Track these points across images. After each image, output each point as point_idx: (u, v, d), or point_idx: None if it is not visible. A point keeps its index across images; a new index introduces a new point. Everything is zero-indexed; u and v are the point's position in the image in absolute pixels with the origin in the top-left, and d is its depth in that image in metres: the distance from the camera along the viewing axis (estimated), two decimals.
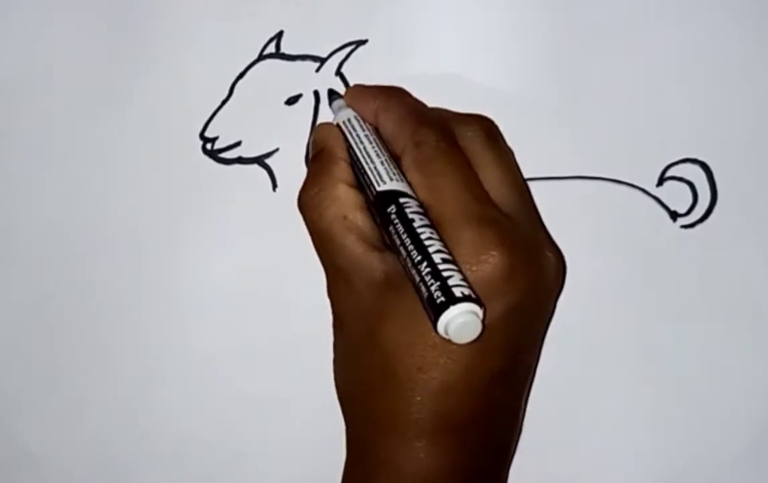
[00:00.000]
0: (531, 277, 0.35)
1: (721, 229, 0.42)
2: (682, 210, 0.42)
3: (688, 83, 0.41)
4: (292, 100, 0.43)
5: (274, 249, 0.43)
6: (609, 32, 0.42)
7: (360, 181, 0.37)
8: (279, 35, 0.42)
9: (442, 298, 0.31)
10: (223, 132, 0.43)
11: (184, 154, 0.43)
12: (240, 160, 0.43)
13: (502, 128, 0.39)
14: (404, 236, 0.34)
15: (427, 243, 0.33)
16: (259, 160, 0.43)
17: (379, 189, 0.36)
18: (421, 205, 0.35)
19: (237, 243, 0.44)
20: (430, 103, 0.40)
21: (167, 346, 0.44)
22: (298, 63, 0.42)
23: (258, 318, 0.44)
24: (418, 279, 0.32)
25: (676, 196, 0.42)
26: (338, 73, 0.42)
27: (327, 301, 0.43)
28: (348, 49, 0.42)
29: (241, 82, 0.43)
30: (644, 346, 0.43)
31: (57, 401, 0.45)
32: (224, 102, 0.43)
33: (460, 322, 0.31)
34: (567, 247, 0.42)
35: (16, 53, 0.43)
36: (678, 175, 0.42)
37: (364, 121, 0.39)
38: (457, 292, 0.31)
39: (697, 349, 0.43)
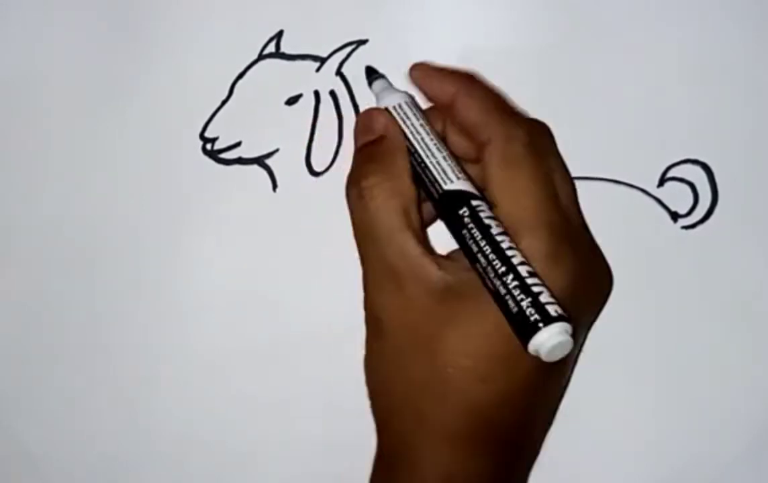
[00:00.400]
0: (596, 293, 0.35)
1: (721, 230, 0.42)
2: (682, 211, 0.42)
3: (688, 83, 0.41)
4: (292, 100, 0.43)
5: (274, 249, 0.43)
6: (609, 32, 0.42)
7: (415, 174, 0.36)
8: (279, 35, 0.42)
9: (537, 316, 0.30)
10: (223, 132, 0.43)
11: (184, 154, 0.43)
12: (240, 161, 0.43)
13: None
14: (483, 244, 0.32)
15: (509, 253, 0.32)
16: (259, 161, 0.43)
17: (446, 188, 0.34)
18: (491, 206, 0.34)
19: (237, 243, 0.44)
20: None
21: (167, 346, 0.44)
22: (298, 63, 0.42)
23: (258, 318, 0.44)
24: (503, 291, 0.31)
25: (677, 196, 0.42)
26: (338, 73, 0.42)
27: (327, 302, 0.43)
28: (348, 49, 0.42)
29: (241, 82, 0.43)
30: (644, 346, 0.43)
31: (57, 401, 0.45)
32: (224, 102, 0.43)
33: (555, 342, 0.30)
34: None
35: (16, 53, 0.43)
36: (679, 175, 0.42)
37: (420, 110, 0.37)
38: (551, 310, 0.30)
39: (697, 349, 0.43)
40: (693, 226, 0.42)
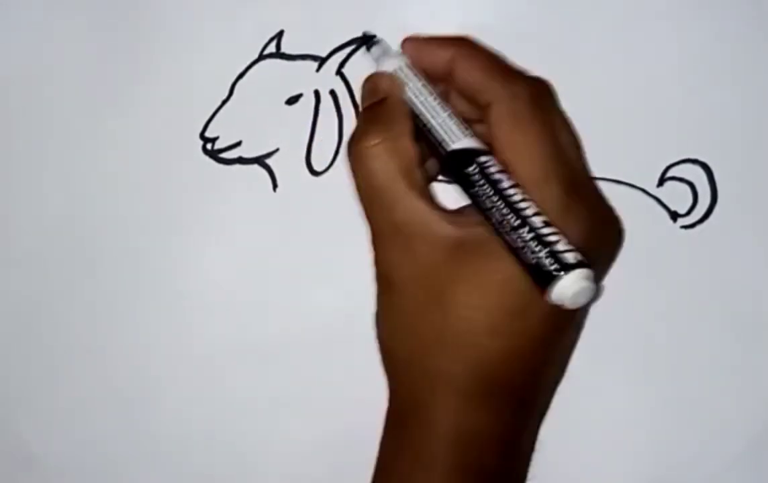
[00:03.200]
0: (608, 244, 0.35)
1: (721, 230, 0.42)
2: (682, 210, 0.42)
3: (688, 83, 0.42)
4: (292, 100, 0.43)
5: (274, 249, 0.43)
6: (609, 32, 0.42)
7: (420, 135, 0.35)
8: (279, 35, 0.42)
9: (556, 265, 0.30)
10: (223, 132, 0.43)
11: (185, 154, 0.43)
12: (240, 160, 0.43)
13: None
14: (496, 199, 0.32)
15: (523, 205, 0.31)
16: (260, 160, 0.43)
17: (453, 147, 0.34)
18: (502, 162, 0.33)
19: (237, 243, 0.44)
20: None
21: (167, 346, 0.44)
22: (299, 63, 0.42)
23: (258, 318, 0.44)
24: (521, 244, 0.31)
25: (677, 196, 0.42)
26: (338, 72, 0.42)
27: (327, 302, 0.43)
28: (348, 49, 0.42)
29: (241, 81, 0.43)
30: (644, 346, 0.43)
31: (57, 401, 0.45)
32: (224, 102, 0.43)
33: (578, 288, 0.30)
34: None
35: (17, 53, 0.43)
36: (678, 175, 0.42)
37: (419, 71, 0.37)
38: (571, 257, 0.30)
39: (697, 349, 0.43)
40: (692, 225, 0.42)
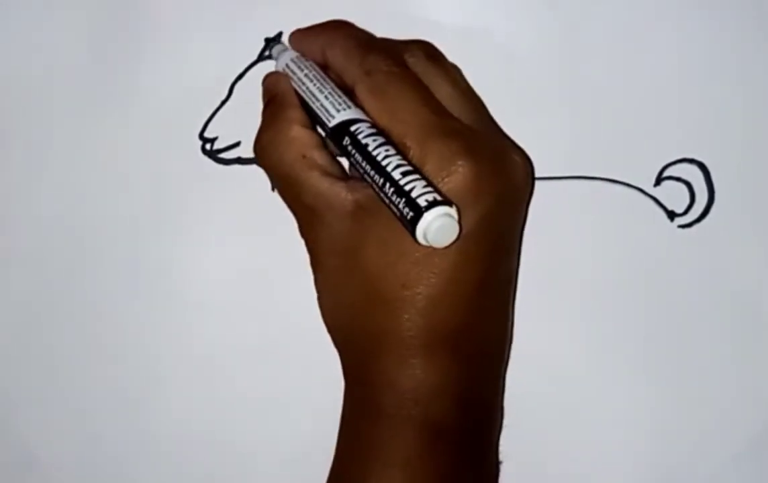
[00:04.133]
0: (500, 181, 0.35)
1: (718, 229, 0.42)
2: (679, 210, 0.42)
3: (685, 83, 0.42)
4: None
5: (273, 249, 0.43)
6: (606, 33, 0.42)
7: (314, 122, 0.38)
8: (278, 36, 0.42)
9: (411, 213, 0.32)
10: (222, 132, 0.43)
11: (184, 154, 0.43)
12: (239, 161, 0.43)
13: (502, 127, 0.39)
14: (364, 163, 0.34)
15: (384, 162, 0.33)
16: None
17: (330, 125, 0.36)
18: (376, 128, 0.35)
19: (236, 243, 0.44)
20: None
21: (166, 346, 0.45)
22: None
23: (257, 318, 0.44)
24: (387, 200, 0.33)
25: (674, 195, 0.42)
26: None
27: None
28: None
29: (240, 82, 0.43)
30: (643, 346, 0.43)
31: (57, 401, 0.45)
32: (224, 102, 0.43)
33: (436, 227, 0.31)
34: (564, 247, 0.42)
35: (16, 53, 0.44)
36: (675, 174, 0.42)
37: (308, 60, 0.39)
38: (422, 201, 0.32)
39: (696, 349, 0.43)
40: (689, 225, 0.42)
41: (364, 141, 0.34)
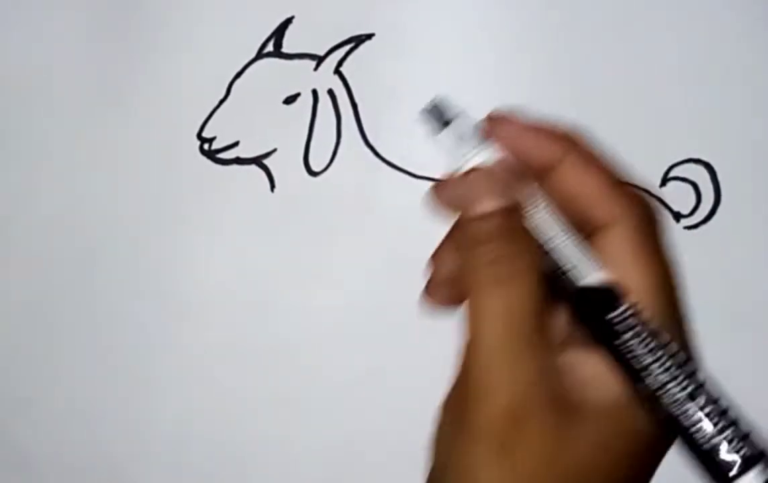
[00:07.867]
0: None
1: (724, 230, 0.41)
2: (685, 211, 0.42)
3: (691, 84, 0.41)
4: (290, 100, 0.42)
5: (272, 249, 0.43)
6: (612, 33, 0.41)
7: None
8: (277, 33, 0.42)
9: (743, 454, 0.25)
10: (220, 132, 0.43)
11: (182, 154, 0.43)
12: (238, 161, 0.43)
13: None
14: (661, 360, 0.26)
15: (690, 368, 0.26)
16: (257, 161, 0.43)
17: (584, 283, 0.27)
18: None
19: (235, 243, 0.44)
20: None
21: (165, 345, 0.45)
22: (296, 62, 0.42)
23: (256, 318, 0.44)
24: (690, 423, 0.26)
25: (680, 196, 0.42)
26: (336, 71, 0.42)
27: (325, 301, 0.43)
28: (346, 48, 0.42)
29: (238, 81, 0.42)
30: None
31: (57, 401, 0.45)
32: (222, 102, 0.43)
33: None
34: None
35: (16, 53, 0.44)
36: (681, 175, 0.41)
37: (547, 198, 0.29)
38: (751, 449, 0.25)
39: (703, 350, 0.42)
40: (696, 226, 0.42)
41: (645, 335, 0.26)
